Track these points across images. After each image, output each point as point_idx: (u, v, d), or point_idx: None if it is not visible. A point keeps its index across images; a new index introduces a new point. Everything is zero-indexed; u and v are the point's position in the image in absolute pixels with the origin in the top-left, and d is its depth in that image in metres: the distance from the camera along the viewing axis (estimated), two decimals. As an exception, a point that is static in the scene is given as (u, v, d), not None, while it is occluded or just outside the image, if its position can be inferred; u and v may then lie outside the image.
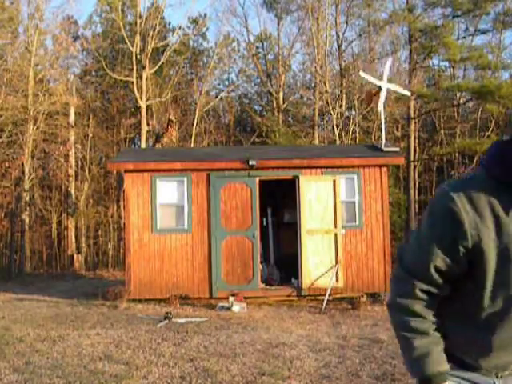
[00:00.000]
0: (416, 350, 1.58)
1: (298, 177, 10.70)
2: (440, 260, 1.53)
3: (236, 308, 9.49)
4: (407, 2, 23.83)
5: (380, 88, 12.44)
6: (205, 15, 29.53)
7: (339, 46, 25.17)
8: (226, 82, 30.23)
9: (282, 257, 12.19)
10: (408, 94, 15.57)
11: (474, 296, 1.55)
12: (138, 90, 23.49)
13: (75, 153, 24.82)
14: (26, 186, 21.00)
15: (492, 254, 1.47)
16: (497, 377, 1.65)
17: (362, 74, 14.21)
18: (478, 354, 1.62)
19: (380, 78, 13.36)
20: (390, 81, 13.61)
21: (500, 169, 1.46)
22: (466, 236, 1.47)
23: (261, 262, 11.20)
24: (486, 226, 1.46)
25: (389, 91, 13.37)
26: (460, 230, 1.47)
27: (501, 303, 1.52)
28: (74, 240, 23.81)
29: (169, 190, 10.82)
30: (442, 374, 1.59)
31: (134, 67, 23.55)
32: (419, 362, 1.58)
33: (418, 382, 1.61)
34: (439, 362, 1.58)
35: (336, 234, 10.49)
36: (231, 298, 9.70)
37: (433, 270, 1.55)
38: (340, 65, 25.08)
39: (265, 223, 12.27)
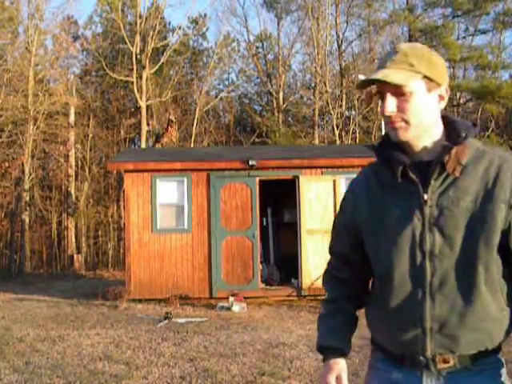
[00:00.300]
0: (318, 321, 1.77)
1: (297, 177, 10.70)
2: (338, 244, 1.76)
3: (236, 308, 9.50)
4: (407, 2, 23.85)
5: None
6: (205, 15, 29.55)
7: (339, 46, 25.18)
8: (226, 82, 30.24)
9: (281, 257, 12.19)
10: None
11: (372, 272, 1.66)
12: (137, 90, 23.49)
13: (75, 153, 24.82)
14: (26, 186, 21.01)
15: (368, 230, 1.62)
16: (427, 368, 1.54)
17: (360, 76, 14.22)
18: (384, 333, 1.64)
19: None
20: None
21: (375, 152, 1.63)
22: (350, 216, 1.69)
23: (261, 262, 11.21)
24: (363, 205, 1.63)
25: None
26: (346, 211, 1.72)
27: (382, 274, 1.59)
28: (73, 240, 23.81)
29: (169, 190, 10.82)
30: (327, 349, 1.69)
31: (134, 67, 23.55)
32: (318, 334, 1.75)
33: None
34: (326, 336, 1.70)
35: (336, 234, 10.48)
36: (231, 298, 9.71)
37: (335, 255, 1.79)
38: (340, 65, 25.08)
39: (265, 223, 12.27)
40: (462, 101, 24.09)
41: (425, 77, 1.50)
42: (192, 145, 24.99)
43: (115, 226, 24.04)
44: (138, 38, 23.80)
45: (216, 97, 28.01)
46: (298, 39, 27.40)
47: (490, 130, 24.99)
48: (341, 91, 24.13)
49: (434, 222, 1.51)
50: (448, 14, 23.36)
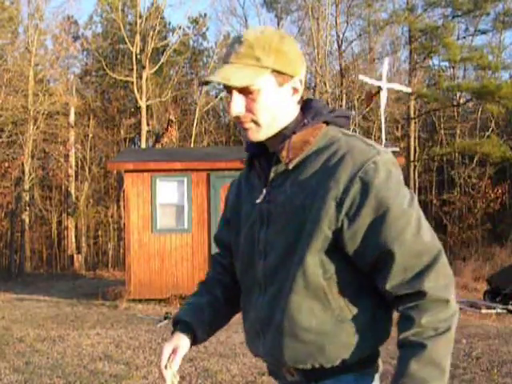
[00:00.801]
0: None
1: (298, 177, 10.69)
2: (220, 231, 1.66)
3: (236, 308, 9.49)
4: (407, 2, 23.85)
5: (380, 88, 12.44)
6: (205, 15, 29.53)
7: (339, 46, 25.17)
8: (226, 82, 30.20)
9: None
10: (409, 90, 15.51)
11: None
12: (137, 90, 23.50)
13: (75, 153, 24.82)
14: (26, 186, 21.01)
15: (233, 219, 1.55)
16: (280, 379, 1.44)
17: (361, 77, 14.23)
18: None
19: (379, 78, 13.36)
20: (389, 80, 13.61)
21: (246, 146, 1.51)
22: (226, 208, 1.63)
23: (261, 262, 11.20)
24: (233, 195, 1.59)
25: (389, 91, 13.36)
26: (226, 204, 1.64)
27: (239, 270, 1.52)
28: (74, 240, 23.82)
29: (169, 190, 10.81)
30: (179, 323, 1.50)
31: (134, 67, 23.56)
32: None
33: None
34: (183, 311, 1.54)
35: (336, 234, 10.48)
36: (231, 298, 9.69)
37: (218, 241, 1.68)
38: (340, 65, 25.08)
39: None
40: (462, 101, 24.09)
41: (274, 71, 1.30)
42: (192, 145, 24.99)
43: (115, 226, 24.05)
44: (138, 38, 23.81)
45: (216, 97, 28.01)
46: (297, 39, 27.41)
47: (490, 130, 25.00)
48: (341, 91, 24.13)
49: (269, 219, 1.37)
50: (448, 14, 23.37)
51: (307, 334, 1.32)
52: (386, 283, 1.26)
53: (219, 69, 1.31)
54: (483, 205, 21.72)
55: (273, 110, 1.33)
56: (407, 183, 22.47)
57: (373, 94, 13.29)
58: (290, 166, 1.34)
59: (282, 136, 1.36)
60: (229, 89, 1.32)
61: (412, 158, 22.57)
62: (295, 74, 1.34)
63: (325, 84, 23.93)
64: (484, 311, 10.03)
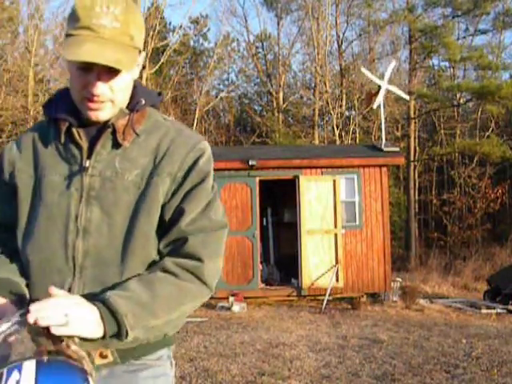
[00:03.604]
0: None
1: (298, 177, 10.69)
2: None
3: (236, 308, 9.49)
4: (407, 2, 23.84)
5: (380, 87, 12.48)
6: (206, 16, 29.56)
7: (339, 46, 25.18)
8: (226, 82, 30.24)
9: (281, 257, 12.19)
10: (407, 97, 15.55)
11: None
12: (138, 90, 23.49)
13: (75, 153, 24.85)
14: (26, 186, 21.02)
15: (25, 190, 1.36)
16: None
17: (363, 69, 14.28)
18: None
19: (380, 77, 13.39)
20: (390, 82, 13.65)
21: (43, 108, 1.42)
22: (4, 172, 1.40)
23: (261, 262, 11.20)
24: (23, 162, 1.38)
25: (388, 91, 13.40)
26: (1, 167, 1.40)
27: (28, 247, 1.34)
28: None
29: (169, 190, 10.80)
30: None
31: (134, 67, 23.55)
32: None
33: None
34: None
35: (336, 234, 10.48)
36: (231, 298, 9.70)
37: None
38: (340, 65, 25.09)
39: (265, 223, 12.26)
40: (462, 101, 24.08)
41: (139, 50, 1.30)
42: (192, 145, 24.96)
43: (115, 226, 24.05)
44: (138, 38, 23.80)
45: (216, 97, 28.01)
46: (297, 39, 27.41)
47: (490, 129, 25.00)
48: (341, 91, 24.13)
49: (94, 194, 1.30)
50: (448, 14, 23.36)
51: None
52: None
53: (98, 45, 1.20)
54: (483, 205, 21.71)
55: (128, 89, 1.33)
56: (407, 183, 22.48)
57: (373, 94, 13.32)
58: (127, 144, 1.33)
59: (122, 114, 1.33)
60: (89, 67, 1.23)
61: (412, 158, 22.57)
62: (143, 50, 1.34)
63: (325, 84, 23.93)
64: (484, 311, 10.04)
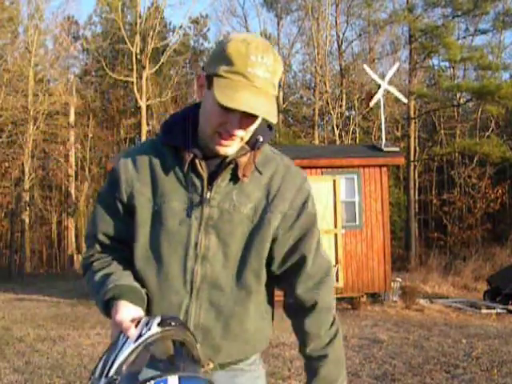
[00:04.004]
0: (98, 277, 1.42)
1: (298, 177, 10.68)
2: (106, 225, 1.46)
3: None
4: (407, 2, 23.84)
5: (379, 86, 12.51)
6: (206, 16, 29.56)
7: (339, 46, 25.19)
8: (226, 82, 30.21)
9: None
10: (405, 100, 15.51)
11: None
12: (138, 90, 23.50)
13: (75, 153, 24.83)
14: (26, 186, 21.01)
15: (144, 213, 1.41)
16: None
17: (365, 66, 14.30)
18: None
19: (380, 77, 13.40)
20: (390, 82, 13.66)
21: (163, 134, 1.45)
22: (121, 191, 1.43)
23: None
24: (141, 184, 1.42)
25: (387, 91, 13.41)
26: (117, 186, 1.43)
27: (149, 268, 1.41)
28: (73, 240, 23.82)
29: (169, 190, 10.80)
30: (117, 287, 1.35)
31: (134, 67, 23.55)
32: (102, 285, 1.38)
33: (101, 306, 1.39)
34: (119, 277, 1.38)
35: (336, 234, 10.48)
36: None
37: (102, 237, 1.47)
38: (340, 65, 25.09)
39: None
40: (462, 101, 24.09)
41: None
42: (192, 145, 24.96)
43: (115, 226, 24.03)
44: (137, 38, 23.80)
45: (216, 97, 27.98)
46: (297, 39, 27.44)
47: (490, 130, 25.00)
48: (341, 91, 24.13)
49: (212, 224, 1.39)
50: (448, 14, 23.35)
51: (249, 334, 1.46)
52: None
53: (252, 95, 1.26)
54: (483, 205, 21.72)
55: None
56: (407, 183, 22.48)
57: (373, 94, 13.33)
58: (246, 180, 1.39)
59: (243, 150, 1.39)
60: (233, 110, 1.28)
61: (412, 158, 22.57)
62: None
63: (325, 84, 23.93)
64: (484, 311, 10.04)
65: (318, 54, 24.11)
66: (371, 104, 12.95)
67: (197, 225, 1.38)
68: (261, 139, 1.40)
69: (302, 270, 1.45)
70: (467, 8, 22.13)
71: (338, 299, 10.37)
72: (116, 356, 1.14)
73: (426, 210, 25.81)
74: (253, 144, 1.40)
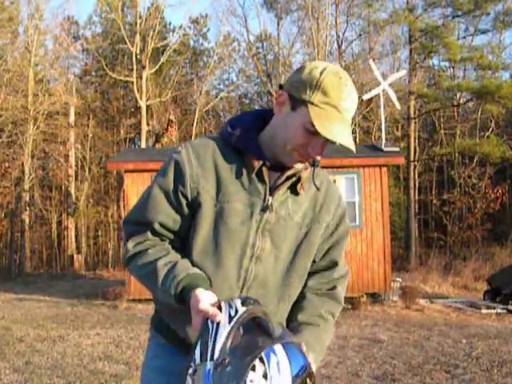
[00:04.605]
0: (162, 267, 1.45)
1: (298, 177, 10.69)
2: (165, 215, 1.48)
3: (236, 308, 9.49)
4: (407, 2, 23.84)
5: (379, 84, 12.54)
6: (206, 15, 29.54)
7: (339, 46, 25.19)
8: (226, 82, 30.27)
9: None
10: (398, 107, 15.41)
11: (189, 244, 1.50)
12: (137, 90, 23.50)
13: (75, 153, 24.83)
14: (26, 186, 21.01)
15: (207, 209, 1.46)
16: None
17: (371, 62, 14.34)
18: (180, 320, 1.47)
19: (383, 77, 13.42)
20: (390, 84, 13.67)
21: (231, 135, 1.50)
22: (186, 186, 1.47)
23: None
24: (206, 182, 1.47)
25: (386, 91, 13.41)
26: (182, 180, 1.47)
27: (208, 263, 1.46)
28: (74, 240, 23.82)
29: (169, 190, 10.80)
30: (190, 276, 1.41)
31: (134, 67, 23.56)
32: (169, 275, 1.42)
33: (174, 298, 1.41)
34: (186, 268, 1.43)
35: (336, 234, 10.48)
36: (231, 298, 9.69)
37: (157, 226, 1.49)
38: (340, 65, 25.06)
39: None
40: (462, 101, 24.09)
41: None
42: (192, 145, 24.96)
43: (115, 226, 24.04)
44: (137, 38, 23.81)
45: (216, 97, 28.03)
46: (297, 39, 27.44)
47: (490, 130, 25.00)
48: (341, 91, 24.10)
49: (268, 228, 1.49)
50: (448, 14, 23.37)
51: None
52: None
53: (344, 128, 1.44)
54: (483, 205, 21.72)
55: None
56: (407, 183, 22.48)
57: (373, 95, 13.34)
58: (303, 193, 1.53)
59: (304, 166, 1.54)
60: (319, 136, 1.43)
61: (412, 158, 22.57)
62: None
63: (325, 84, 23.91)
64: (484, 311, 10.04)
65: (318, 53, 24.09)
66: (365, 97, 12.98)
67: (256, 227, 1.49)
68: (319, 158, 1.54)
69: (330, 271, 1.64)
70: (467, 8, 22.14)
71: (338, 299, 10.38)
72: (214, 340, 1.22)
73: (426, 210, 25.81)
74: (312, 160, 1.54)
